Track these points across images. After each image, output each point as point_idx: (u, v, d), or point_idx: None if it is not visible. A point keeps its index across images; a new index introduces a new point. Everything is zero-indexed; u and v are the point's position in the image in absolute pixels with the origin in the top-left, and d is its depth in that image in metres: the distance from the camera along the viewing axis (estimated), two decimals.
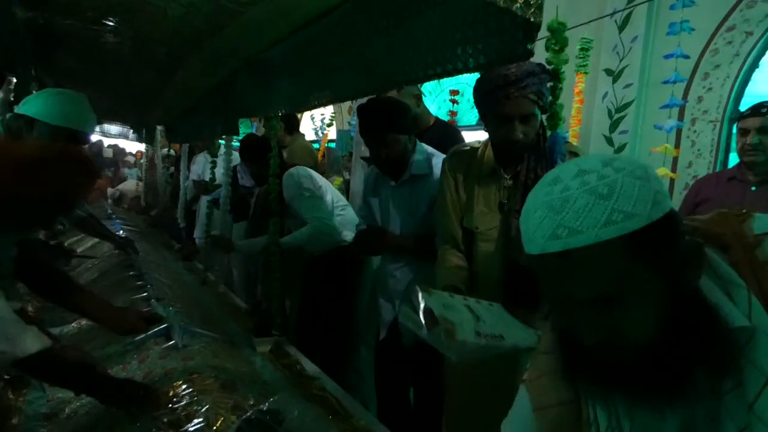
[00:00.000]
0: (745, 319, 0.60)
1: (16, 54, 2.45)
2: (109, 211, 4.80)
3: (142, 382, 1.36)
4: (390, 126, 1.92)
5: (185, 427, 1.14)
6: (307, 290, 2.80)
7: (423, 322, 1.11)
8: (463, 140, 2.53)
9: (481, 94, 1.51)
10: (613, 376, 0.62)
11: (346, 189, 4.36)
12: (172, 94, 3.26)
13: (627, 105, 3.46)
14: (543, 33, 0.99)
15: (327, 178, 3.54)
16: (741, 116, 2.19)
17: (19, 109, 1.82)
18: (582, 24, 2.91)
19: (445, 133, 2.56)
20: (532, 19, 0.92)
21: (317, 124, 7.94)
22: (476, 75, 1.49)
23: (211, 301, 2.71)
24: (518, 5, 0.91)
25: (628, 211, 0.56)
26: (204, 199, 3.75)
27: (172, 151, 5.45)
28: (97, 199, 5.59)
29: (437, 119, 2.72)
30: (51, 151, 1.23)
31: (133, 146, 8.97)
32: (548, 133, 1.42)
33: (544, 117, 1.46)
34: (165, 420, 1.16)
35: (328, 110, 7.26)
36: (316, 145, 6.02)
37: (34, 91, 2.66)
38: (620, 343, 0.61)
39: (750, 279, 0.62)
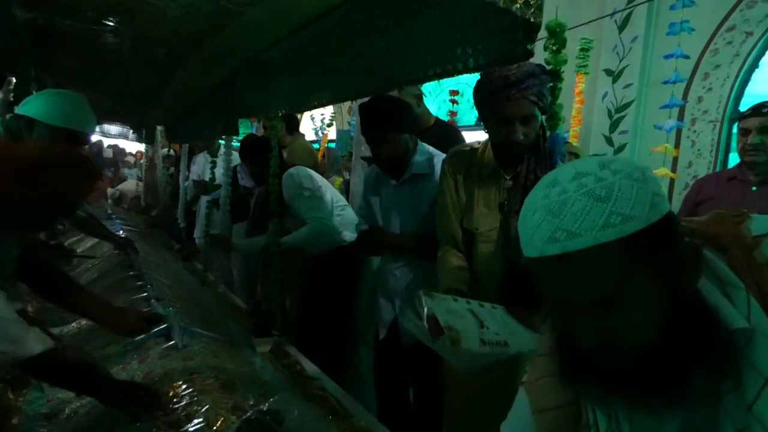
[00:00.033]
0: (744, 320, 0.60)
1: (16, 54, 2.45)
2: (109, 211, 4.79)
3: (142, 382, 1.36)
4: (391, 124, 1.91)
5: (185, 427, 1.14)
6: (306, 290, 2.79)
7: (427, 330, 1.12)
8: (463, 140, 2.53)
9: (481, 95, 1.50)
10: (612, 379, 0.62)
11: (346, 189, 4.36)
12: (172, 94, 3.26)
13: (627, 105, 3.46)
14: (543, 33, 1.00)
15: (327, 178, 3.54)
16: (742, 116, 2.19)
17: (19, 110, 1.82)
18: (582, 24, 2.92)
19: (446, 133, 2.57)
20: (532, 20, 0.91)
21: (317, 124, 7.96)
22: (476, 75, 1.48)
23: (210, 302, 2.70)
24: (518, 5, 0.91)
25: (626, 214, 0.56)
26: (204, 200, 3.75)
27: (172, 151, 5.44)
28: (97, 200, 5.59)
29: (437, 119, 2.73)
30: (51, 152, 1.23)
31: (133, 146, 8.99)
32: (548, 133, 1.42)
33: (544, 118, 1.46)
34: (165, 420, 1.16)
35: (328, 110, 7.27)
36: (316, 145, 6.03)
37: (34, 92, 2.65)
38: (619, 345, 0.61)
39: (748, 280, 0.62)
